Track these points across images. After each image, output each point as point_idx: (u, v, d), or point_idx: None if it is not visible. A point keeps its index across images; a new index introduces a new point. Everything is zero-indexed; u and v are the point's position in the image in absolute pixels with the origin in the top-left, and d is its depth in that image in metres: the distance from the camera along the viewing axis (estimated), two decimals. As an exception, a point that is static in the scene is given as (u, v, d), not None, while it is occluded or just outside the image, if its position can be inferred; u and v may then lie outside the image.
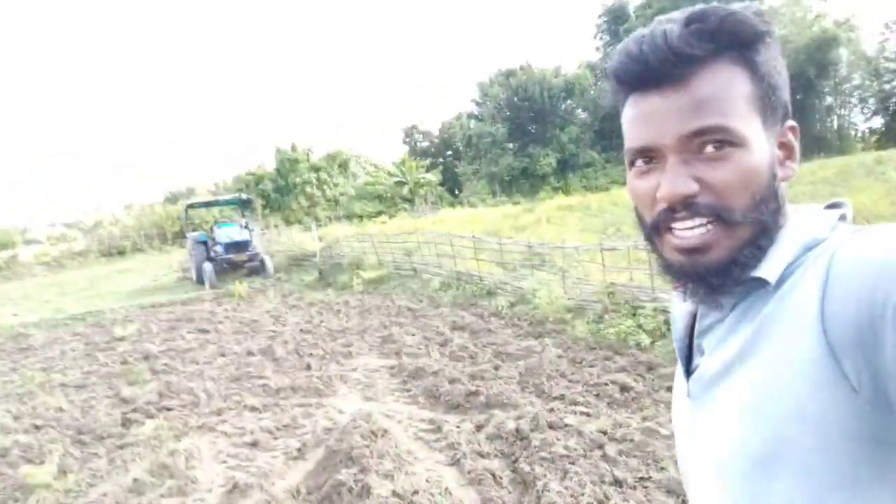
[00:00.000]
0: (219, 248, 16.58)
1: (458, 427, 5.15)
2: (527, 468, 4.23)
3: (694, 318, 0.77)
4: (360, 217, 35.66)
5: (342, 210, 36.87)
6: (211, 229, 18.11)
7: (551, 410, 5.26)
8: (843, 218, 0.70)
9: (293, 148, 36.93)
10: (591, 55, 54.74)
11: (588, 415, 5.08)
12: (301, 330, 9.75)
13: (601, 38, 54.42)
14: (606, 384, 5.78)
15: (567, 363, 6.49)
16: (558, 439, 4.61)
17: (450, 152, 59.02)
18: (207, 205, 20.46)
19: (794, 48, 47.77)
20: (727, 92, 0.66)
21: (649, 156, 0.70)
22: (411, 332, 8.60)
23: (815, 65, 45.92)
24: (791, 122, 0.71)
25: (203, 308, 13.18)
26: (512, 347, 7.30)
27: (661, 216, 0.69)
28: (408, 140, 65.15)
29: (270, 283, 15.91)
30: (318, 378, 6.93)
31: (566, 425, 4.87)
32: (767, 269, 0.67)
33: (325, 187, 36.82)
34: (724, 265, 0.68)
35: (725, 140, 0.66)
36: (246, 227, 17.66)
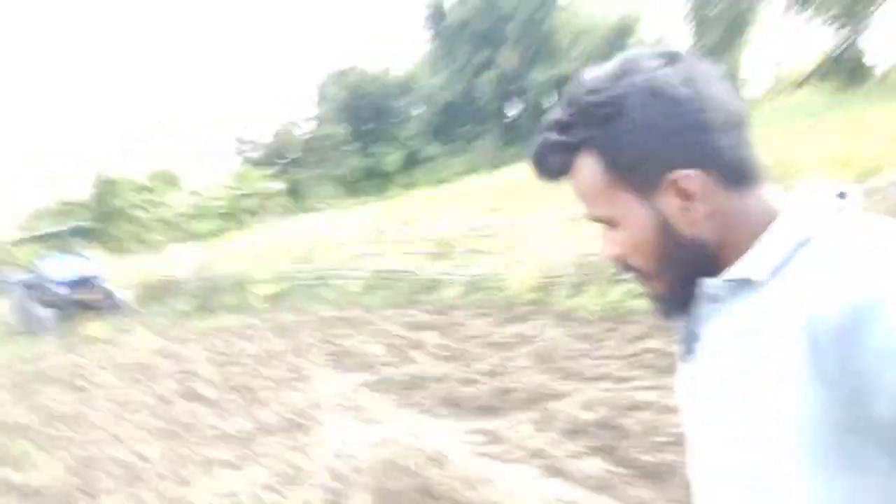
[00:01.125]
0: (61, 289, 13.61)
1: (516, 431, 4.27)
2: (650, 458, 3.51)
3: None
4: (204, 236, 32.34)
5: (180, 232, 33.15)
6: (40, 267, 14.90)
7: (608, 391, 4.60)
8: (841, 210, 0.71)
9: (112, 172, 32.42)
10: (417, 54, 55.33)
11: (655, 388, 4.48)
12: (216, 363, 8.08)
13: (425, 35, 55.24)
14: (639, 354, 5.25)
15: (577, 340, 5.88)
16: (653, 419, 3.94)
17: (284, 160, 56.16)
18: (41, 239, 16.84)
19: (600, 35, 51.97)
20: (591, 185, 0.76)
21: None
22: (365, 340, 7.44)
23: (618, 50, 50.26)
24: (676, 173, 0.71)
25: (57, 362, 10.63)
26: (497, 336, 6.54)
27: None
28: (241, 150, 61.01)
29: (133, 321, 13.44)
30: (286, 411, 5.60)
31: (646, 402, 4.23)
32: (753, 269, 0.70)
33: (154, 209, 32.81)
34: (665, 296, 0.80)
35: (607, 221, 0.78)
36: (90, 259, 14.76)
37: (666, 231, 0.75)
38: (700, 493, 0.79)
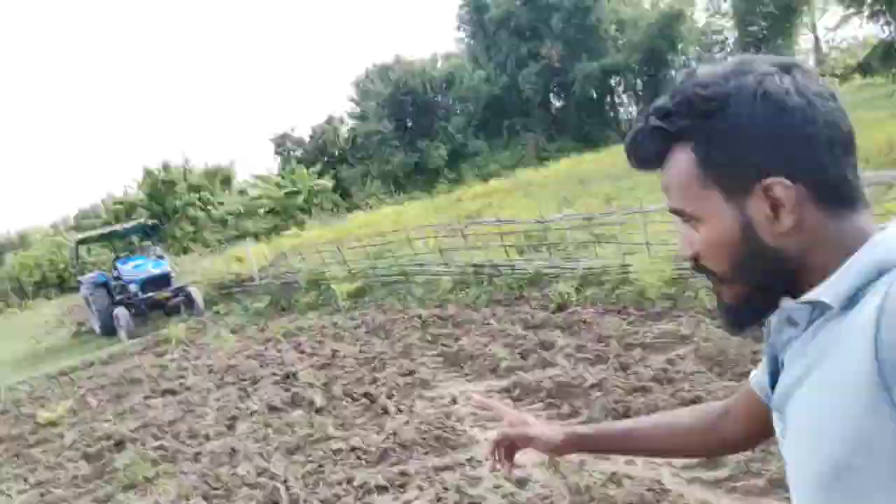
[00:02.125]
0: (133, 287, 13.38)
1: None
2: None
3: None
4: (255, 235, 32.32)
5: (233, 231, 33.20)
6: (113, 267, 14.73)
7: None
8: None
9: (165, 168, 32.53)
10: (452, 46, 54.53)
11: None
12: (315, 366, 7.57)
13: (463, 29, 54.43)
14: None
15: (746, 340, 5.11)
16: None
17: (325, 157, 56.16)
18: (104, 237, 16.71)
19: (646, 24, 50.42)
20: (681, 178, 0.75)
21: None
22: (479, 341, 6.82)
23: (665, 40, 48.81)
24: (771, 180, 0.69)
25: (140, 363, 10.33)
26: (643, 336, 5.82)
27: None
28: (280, 150, 61.32)
29: (207, 320, 13.13)
30: (421, 423, 5.01)
31: None
32: (830, 293, 0.67)
33: (209, 208, 32.86)
34: (734, 308, 0.78)
35: (689, 218, 0.76)
36: (161, 257, 14.54)
37: (748, 237, 0.72)
38: None
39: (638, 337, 5.86)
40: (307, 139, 59.51)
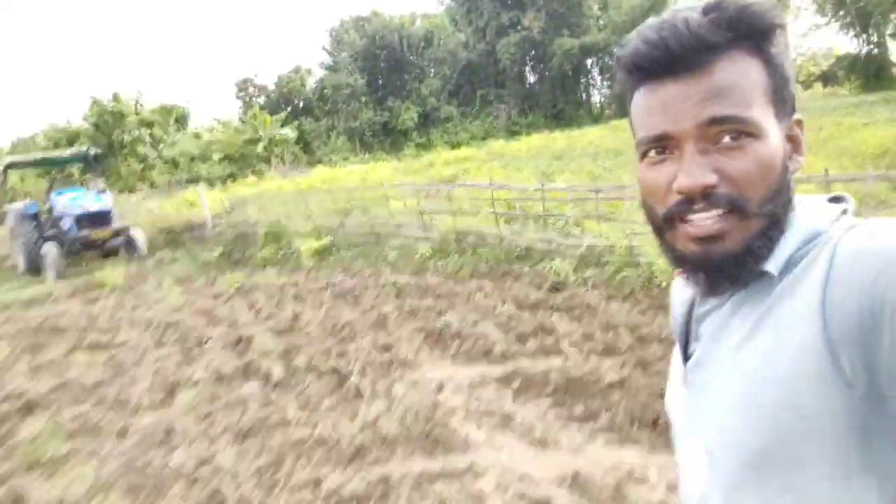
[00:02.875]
0: (66, 223, 11.92)
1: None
2: None
3: (693, 303, 0.76)
4: (209, 181, 30.51)
5: (183, 173, 31.24)
6: (47, 198, 13.18)
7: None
8: (844, 212, 0.69)
9: (116, 98, 30.11)
10: (434, 8, 52.61)
11: None
12: (274, 331, 6.59)
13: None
14: None
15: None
16: None
17: (289, 108, 53.84)
18: (38, 164, 14.91)
19: (630, 6, 49.70)
20: (745, 82, 0.66)
21: (663, 145, 0.68)
22: (467, 318, 5.97)
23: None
24: (797, 116, 0.70)
25: (67, 309, 9.09)
26: (657, 329, 5.08)
27: (676, 207, 0.67)
28: (241, 94, 58.49)
29: (150, 267, 11.87)
30: (407, 413, 4.16)
31: None
32: (770, 261, 0.66)
33: (160, 146, 30.72)
34: (738, 255, 0.66)
35: (743, 131, 0.65)
36: (102, 191, 13.04)
37: (785, 165, 0.68)
38: (708, 502, 0.72)
39: (653, 329, 5.11)
40: (272, 87, 57.00)
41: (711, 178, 0.65)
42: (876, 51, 43.02)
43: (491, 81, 51.41)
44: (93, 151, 14.50)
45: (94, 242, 12.08)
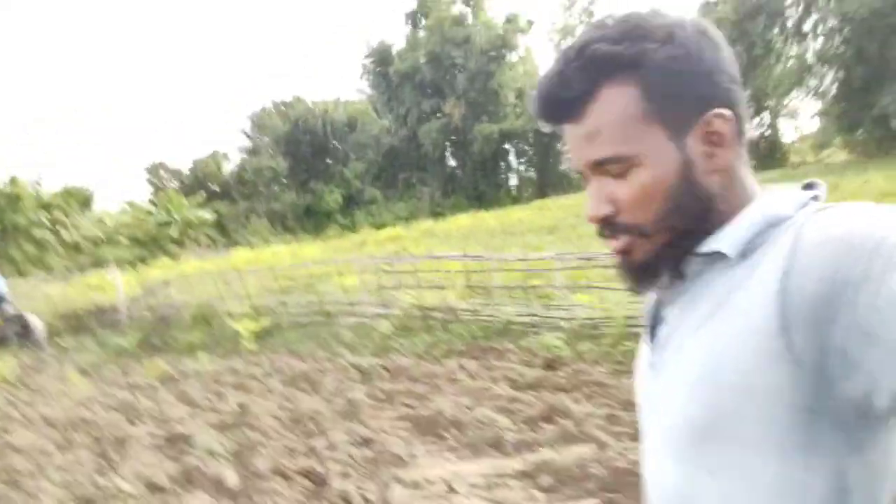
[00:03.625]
0: (-52, 309, 10.10)
1: None
2: None
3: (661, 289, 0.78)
4: (115, 264, 28.12)
5: (87, 257, 28.70)
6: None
7: None
8: (815, 198, 0.70)
9: (13, 181, 27.64)
10: (354, 95, 53.58)
11: None
12: (217, 426, 5.41)
13: (367, 79, 53.79)
14: None
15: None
16: None
17: (204, 192, 52.04)
18: None
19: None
20: (614, 118, 0.68)
21: (582, 177, 0.74)
22: (461, 402, 5.09)
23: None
24: (714, 111, 0.68)
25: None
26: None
27: (597, 229, 0.74)
28: (152, 179, 56.17)
29: (49, 357, 10.16)
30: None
31: None
32: (727, 243, 0.67)
33: (59, 229, 28.22)
34: (649, 265, 0.72)
35: (621, 164, 0.69)
36: (-8, 273, 11.29)
37: (686, 176, 0.69)
38: (664, 481, 0.74)
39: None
40: (186, 171, 55.19)
41: (606, 210, 0.71)
42: (769, 132, 47.36)
43: (413, 165, 52.20)
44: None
45: (-20, 331, 10.26)
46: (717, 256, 0.68)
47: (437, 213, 44.86)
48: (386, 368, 6.47)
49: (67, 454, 5.14)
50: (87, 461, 4.91)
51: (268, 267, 10.80)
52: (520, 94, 58.17)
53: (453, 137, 54.03)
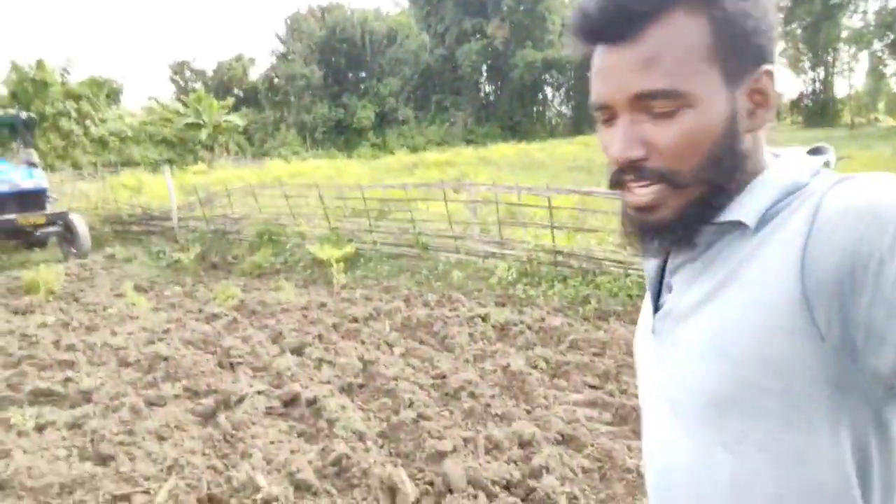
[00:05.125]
0: (-15, 204, 8.93)
1: None
2: None
3: (667, 256, 0.75)
4: (140, 165, 26.92)
5: (112, 155, 27.45)
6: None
7: None
8: (826, 164, 0.69)
9: (39, 65, 25.93)
10: (393, 8, 50.41)
11: None
12: (344, 388, 4.30)
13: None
14: None
15: None
16: None
17: (229, 96, 50.08)
18: None
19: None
20: (678, 48, 0.63)
21: (605, 113, 0.68)
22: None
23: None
24: (767, 67, 0.66)
25: (-16, 323, 6.33)
26: None
27: (615, 175, 0.69)
28: (176, 78, 54.06)
29: (97, 266, 9.08)
30: None
31: None
32: (745, 212, 0.65)
33: (87, 123, 26.77)
34: (672, 223, 0.68)
35: (672, 103, 0.64)
36: (33, 164, 10.03)
37: (731, 129, 0.65)
38: (672, 456, 0.72)
39: None
40: (210, 73, 52.98)
41: (637, 152, 0.65)
42: (821, 87, 44.61)
43: (447, 87, 49.81)
44: (25, 115, 11.32)
45: (20, 230, 9.13)
46: (731, 225, 0.66)
47: (469, 141, 43.01)
48: (528, 326, 5.30)
49: (160, 413, 4.05)
50: (193, 429, 3.82)
51: (339, 185, 9.48)
52: (566, 22, 54.87)
53: (492, 62, 51.27)
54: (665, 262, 0.75)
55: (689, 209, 0.66)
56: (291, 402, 4.16)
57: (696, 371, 0.66)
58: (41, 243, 10.33)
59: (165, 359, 5.06)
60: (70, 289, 7.80)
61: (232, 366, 4.92)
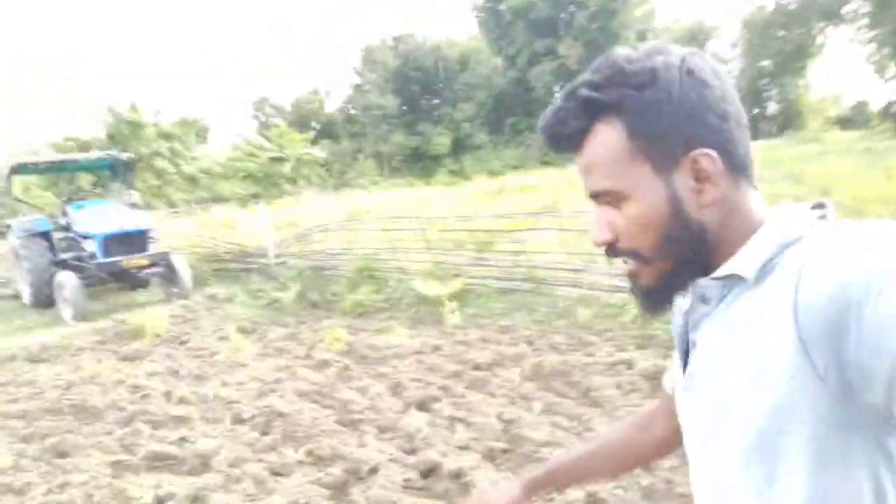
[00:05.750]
0: (91, 245, 9.07)
1: None
2: None
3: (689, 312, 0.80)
4: (228, 200, 27.76)
5: (203, 191, 28.52)
6: (62, 212, 10.36)
7: None
8: (823, 217, 0.73)
9: (133, 108, 27.42)
10: (462, 35, 50.68)
11: None
12: (486, 455, 3.71)
13: (477, 15, 50.73)
14: None
15: None
16: None
17: (307, 131, 51.60)
18: (53, 168, 11.93)
19: (669, 39, 48.13)
20: (606, 154, 0.73)
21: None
22: None
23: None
24: (699, 151, 0.71)
25: (97, 372, 6.19)
26: None
27: (605, 252, 0.79)
28: (258, 115, 56.38)
29: (199, 307, 9.00)
30: None
31: None
32: (742, 266, 0.70)
33: (179, 161, 27.99)
34: (655, 289, 0.77)
35: (613, 197, 0.74)
36: (134, 205, 10.20)
37: (676, 210, 0.73)
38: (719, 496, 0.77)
39: None
40: (288, 108, 54.90)
41: (607, 235, 0.76)
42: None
43: (521, 110, 49.39)
44: (125, 156, 11.63)
45: (124, 272, 9.19)
46: (735, 280, 0.71)
47: (546, 163, 42.23)
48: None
49: (286, 486, 3.59)
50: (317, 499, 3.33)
51: (439, 216, 9.03)
52: (641, 37, 53.40)
53: (565, 82, 50.51)
54: (688, 318, 0.79)
55: (662, 279, 0.75)
56: (430, 472, 3.61)
57: (722, 424, 0.71)
58: (143, 284, 10.44)
59: (281, 415, 4.66)
60: (175, 331, 7.67)
61: (353, 423, 4.44)
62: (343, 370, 5.65)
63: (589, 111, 0.72)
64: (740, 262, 0.70)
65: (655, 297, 0.77)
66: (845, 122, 48.20)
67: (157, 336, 7.43)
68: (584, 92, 0.72)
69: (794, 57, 50.13)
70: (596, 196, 0.75)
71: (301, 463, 3.88)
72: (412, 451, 3.87)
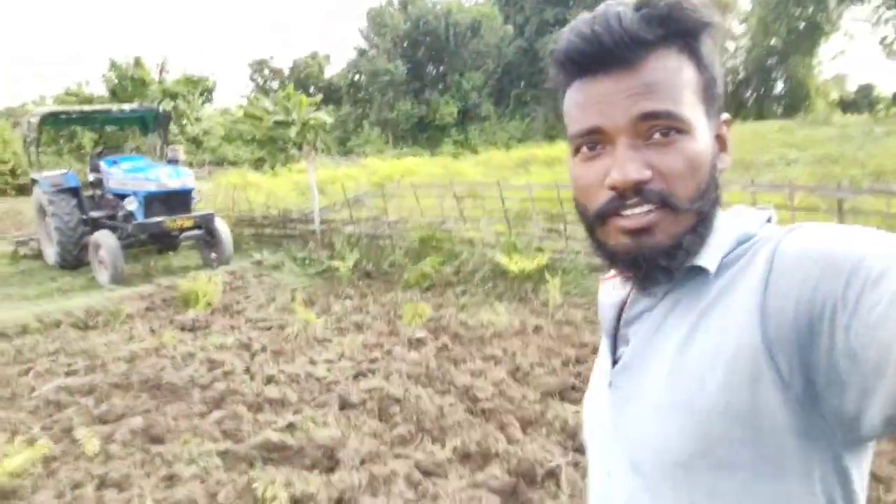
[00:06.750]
0: (131, 205, 8.36)
1: None
2: None
3: (622, 307, 0.75)
4: (234, 163, 26.88)
5: (206, 153, 27.55)
6: (92, 167, 9.62)
7: None
8: (769, 220, 0.70)
9: (138, 63, 26.20)
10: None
11: None
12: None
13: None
14: None
15: None
16: None
17: (308, 93, 50.20)
18: (85, 119, 11.08)
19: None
20: (676, 79, 0.66)
21: (595, 141, 0.67)
22: None
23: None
24: (725, 115, 0.71)
25: (160, 343, 5.62)
26: None
27: (609, 203, 0.67)
28: (255, 77, 54.83)
29: (245, 273, 8.39)
30: None
31: None
32: (706, 259, 0.66)
33: (184, 121, 26.92)
34: (668, 248, 0.66)
35: (674, 126, 0.65)
36: (175, 161, 9.47)
37: (713, 162, 0.68)
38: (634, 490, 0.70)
39: None
40: (286, 71, 53.39)
41: (645, 174, 0.64)
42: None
43: (527, 81, 48.41)
44: (162, 109, 10.82)
45: (165, 234, 8.53)
46: (689, 273, 0.66)
47: (551, 137, 41.48)
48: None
49: (449, 490, 3.09)
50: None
51: (522, 185, 8.42)
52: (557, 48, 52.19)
53: (574, 53, 49.45)
54: (620, 313, 0.74)
55: (683, 236, 0.65)
56: (549, 473, 3.13)
57: (660, 428, 0.65)
58: (174, 247, 9.80)
59: (397, 400, 4.15)
60: (225, 300, 7.09)
61: (487, 414, 3.94)
62: (441, 349, 5.14)
63: (664, 26, 0.63)
64: (706, 254, 0.66)
65: (665, 258, 0.65)
66: (848, 105, 47.92)
67: (209, 304, 6.85)
68: (665, 6, 0.63)
69: (806, 36, 49.38)
70: (651, 118, 0.63)
71: (449, 461, 3.38)
72: (582, 451, 3.38)
